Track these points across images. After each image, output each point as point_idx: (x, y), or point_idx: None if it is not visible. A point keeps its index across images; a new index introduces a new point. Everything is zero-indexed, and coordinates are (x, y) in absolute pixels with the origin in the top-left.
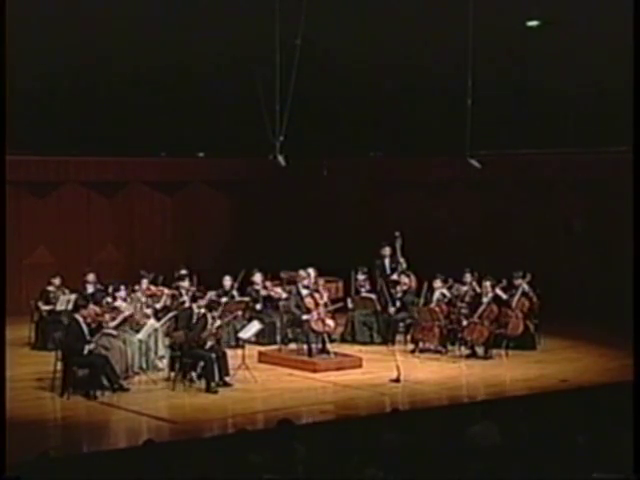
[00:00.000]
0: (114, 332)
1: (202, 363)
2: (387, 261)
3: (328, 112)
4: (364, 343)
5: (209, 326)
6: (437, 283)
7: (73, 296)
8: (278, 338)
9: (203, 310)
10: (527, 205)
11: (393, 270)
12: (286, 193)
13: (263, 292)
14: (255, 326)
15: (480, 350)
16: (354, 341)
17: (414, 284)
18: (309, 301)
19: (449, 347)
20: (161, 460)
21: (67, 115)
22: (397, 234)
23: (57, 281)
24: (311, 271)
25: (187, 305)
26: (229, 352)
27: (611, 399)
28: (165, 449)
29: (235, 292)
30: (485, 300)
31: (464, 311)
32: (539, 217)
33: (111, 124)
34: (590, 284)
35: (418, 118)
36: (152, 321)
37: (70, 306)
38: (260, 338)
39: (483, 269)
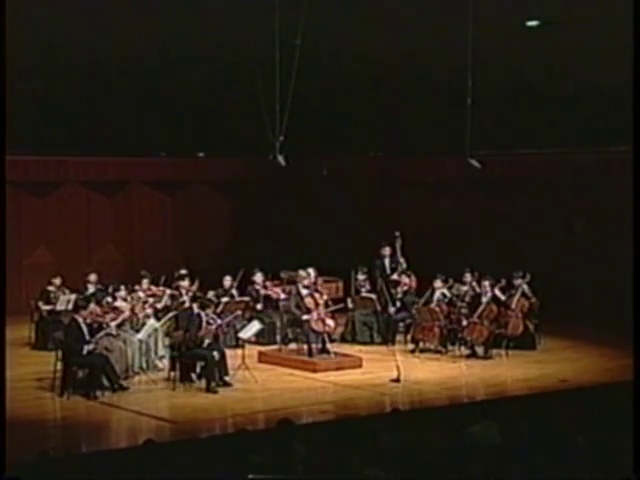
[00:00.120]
0: (114, 332)
1: (202, 363)
2: (387, 261)
3: (328, 112)
4: (364, 343)
5: (204, 324)
6: (437, 283)
7: (73, 296)
8: (278, 338)
9: (196, 309)
10: (527, 205)
11: (393, 270)
12: (286, 193)
13: (263, 292)
14: (255, 326)
15: (480, 350)
16: (354, 341)
17: (414, 284)
18: (309, 301)
19: (449, 347)
20: (161, 460)
21: (67, 115)
22: (397, 234)
23: (57, 281)
24: (311, 271)
25: (187, 305)
26: (229, 352)
27: (611, 399)
28: (165, 449)
29: (235, 291)
30: (484, 300)
31: (464, 311)
32: (539, 217)
33: (111, 124)
34: (590, 284)
35: (418, 118)
36: (152, 321)
37: (70, 306)
38: (260, 338)
39: (483, 269)
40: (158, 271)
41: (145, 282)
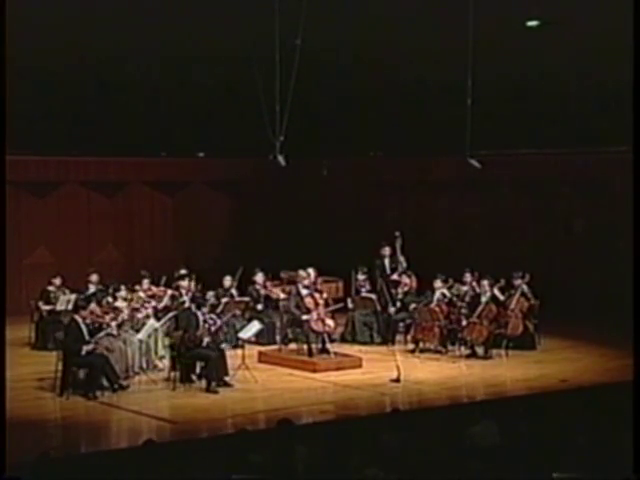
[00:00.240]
0: (115, 332)
1: (202, 363)
2: (387, 261)
3: (328, 112)
4: (364, 343)
5: (201, 323)
6: (437, 283)
7: (73, 296)
8: (278, 338)
9: (193, 309)
10: (527, 205)
11: (393, 270)
12: (286, 193)
13: (263, 292)
14: (255, 326)
15: (480, 350)
16: (354, 341)
17: (414, 284)
18: (309, 301)
19: (449, 347)
20: (161, 460)
21: (67, 115)
22: (397, 234)
23: (57, 281)
24: (311, 271)
25: (187, 305)
26: (229, 352)
27: (611, 399)
28: (165, 449)
29: (234, 291)
30: (483, 300)
31: (464, 311)
32: (539, 217)
33: (111, 124)
34: (590, 284)
35: (418, 118)
36: (152, 321)
37: (70, 306)
38: (260, 338)
39: (483, 269)
40: (158, 271)
41: (146, 282)
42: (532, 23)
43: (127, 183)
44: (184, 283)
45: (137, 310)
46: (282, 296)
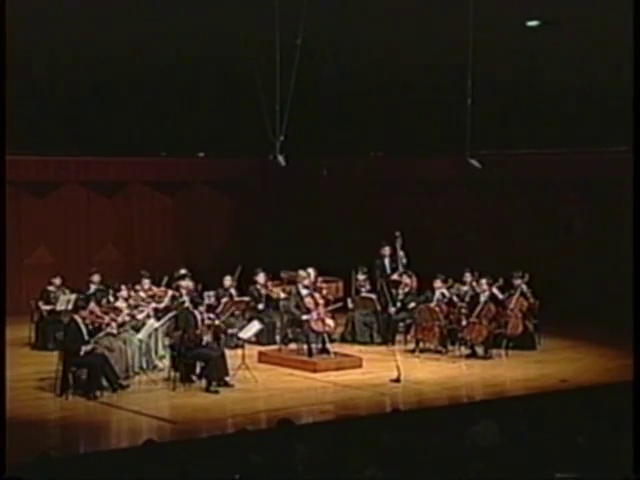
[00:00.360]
0: (115, 331)
1: (202, 363)
2: (387, 261)
3: (328, 112)
4: (364, 343)
5: (199, 322)
6: (437, 283)
7: (73, 296)
8: (278, 338)
9: (190, 308)
10: (527, 205)
11: (393, 270)
12: (286, 193)
13: (264, 292)
14: (255, 326)
15: (480, 350)
16: (354, 341)
17: (415, 284)
18: (309, 301)
19: (449, 347)
20: (161, 460)
21: (67, 115)
22: (397, 234)
23: (57, 281)
24: (311, 271)
25: (187, 305)
26: (229, 352)
27: (611, 399)
28: (165, 449)
29: (233, 290)
30: (482, 299)
31: (464, 311)
32: (539, 217)
33: (111, 124)
34: (590, 284)
35: (418, 118)
36: (152, 321)
37: (70, 306)
38: (260, 338)
39: (483, 269)
40: (158, 271)
41: (147, 282)
42: (532, 23)
43: (127, 183)
44: (184, 283)
45: (137, 310)
46: (282, 296)
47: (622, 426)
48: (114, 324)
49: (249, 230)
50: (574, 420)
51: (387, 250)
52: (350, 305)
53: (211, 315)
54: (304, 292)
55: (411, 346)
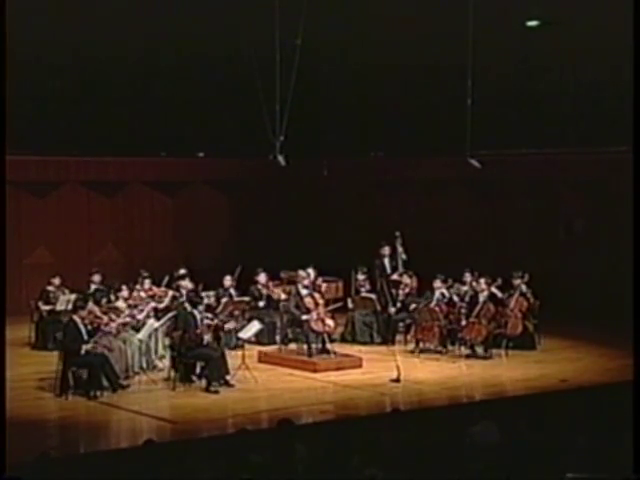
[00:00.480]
0: (114, 331)
1: (202, 363)
2: (387, 261)
3: (328, 112)
4: (364, 343)
5: (199, 322)
6: (437, 283)
7: (73, 296)
8: (278, 338)
9: (189, 308)
10: (527, 205)
11: (393, 270)
12: (286, 193)
13: (265, 292)
14: (255, 326)
15: (480, 350)
16: (354, 341)
17: (415, 284)
18: (309, 301)
19: (449, 347)
20: (161, 460)
21: (67, 115)
22: (397, 234)
23: (57, 281)
24: (311, 271)
25: (186, 305)
26: (229, 352)
27: (611, 399)
28: (165, 449)
29: (233, 290)
30: (481, 299)
31: (464, 311)
32: (539, 217)
33: (111, 124)
34: (590, 284)
35: (418, 118)
36: (152, 321)
37: (70, 306)
38: (260, 338)
39: (483, 269)
40: (158, 271)
41: (147, 282)
42: (532, 23)
43: (127, 183)
44: (184, 283)
45: (137, 310)
46: (283, 297)
47: (622, 426)
48: (113, 324)
49: (249, 230)
50: (574, 420)
51: (387, 250)
52: (350, 305)
53: (209, 315)
54: (304, 292)
55: (411, 346)
